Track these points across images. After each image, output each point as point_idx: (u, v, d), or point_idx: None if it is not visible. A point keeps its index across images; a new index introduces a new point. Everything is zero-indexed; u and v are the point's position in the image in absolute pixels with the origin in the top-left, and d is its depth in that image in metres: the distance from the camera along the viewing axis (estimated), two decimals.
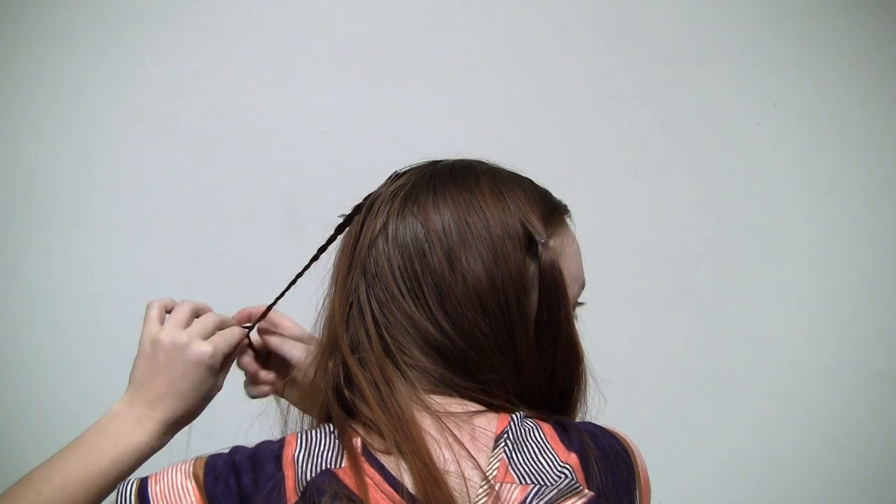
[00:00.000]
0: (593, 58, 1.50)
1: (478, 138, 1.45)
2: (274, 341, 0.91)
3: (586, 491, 0.64)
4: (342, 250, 0.76)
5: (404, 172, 0.77)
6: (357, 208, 0.77)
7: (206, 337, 0.82)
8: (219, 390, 0.85)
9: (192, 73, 1.43)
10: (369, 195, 0.77)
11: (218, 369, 0.83)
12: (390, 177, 0.77)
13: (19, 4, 1.41)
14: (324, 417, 0.71)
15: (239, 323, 0.90)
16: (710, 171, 1.52)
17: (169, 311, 0.85)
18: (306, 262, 0.85)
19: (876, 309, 1.54)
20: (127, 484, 0.67)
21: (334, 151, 1.44)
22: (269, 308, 0.90)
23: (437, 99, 1.46)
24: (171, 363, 0.80)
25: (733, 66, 1.52)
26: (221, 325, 0.86)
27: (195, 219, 1.43)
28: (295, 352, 0.90)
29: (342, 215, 0.79)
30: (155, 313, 0.84)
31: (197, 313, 0.86)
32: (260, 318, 0.90)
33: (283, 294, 0.88)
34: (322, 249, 0.82)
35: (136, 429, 0.79)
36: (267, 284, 1.40)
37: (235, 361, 0.89)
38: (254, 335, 0.91)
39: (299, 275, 0.85)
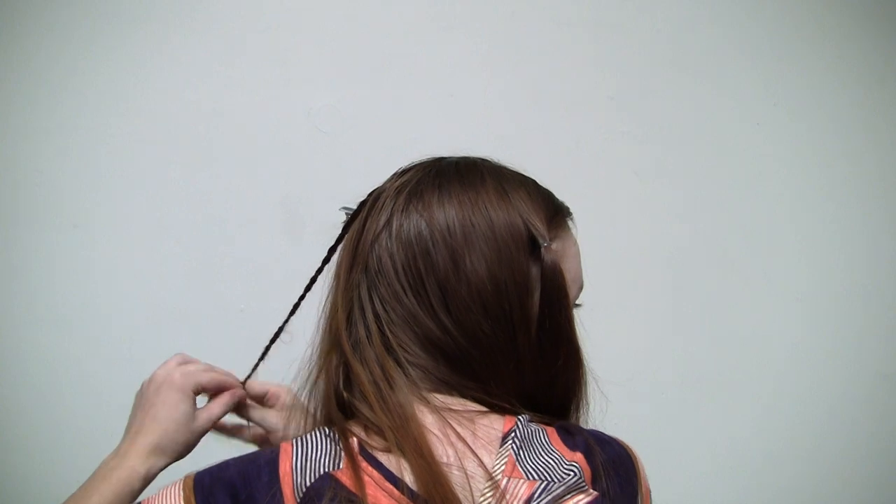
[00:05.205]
0: (593, 58, 1.50)
1: (477, 138, 1.44)
2: (255, 416, 0.93)
3: (592, 490, 0.64)
4: (345, 247, 0.75)
5: (409, 168, 0.76)
6: (361, 204, 0.76)
7: (190, 371, 0.87)
8: (203, 425, 0.86)
9: (193, 73, 1.43)
10: (373, 191, 0.76)
11: (192, 395, 0.85)
12: (395, 173, 0.77)
13: (21, 5, 1.41)
14: (321, 420, 0.71)
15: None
16: (710, 170, 1.52)
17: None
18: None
19: (876, 309, 1.54)
20: None
21: (334, 151, 1.44)
22: (267, 349, 0.91)
23: (437, 99, 1.46)
24: (153, 392, 0.84)
25: (733, 66, 1.52)
26: (221, 384, 0.89)
27: (195, 219, 1.43)
28: (275, 421, 0.92)
29: (344, 208, 0.78)
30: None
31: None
32: (256, 367, 0.92)
33: (293, 312, 0.87)
34: (329, 255, 0.80)
35: (121, 462, 0.80)
36: (267, 284, 1.42)
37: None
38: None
39: (308, 288, 0.83)
